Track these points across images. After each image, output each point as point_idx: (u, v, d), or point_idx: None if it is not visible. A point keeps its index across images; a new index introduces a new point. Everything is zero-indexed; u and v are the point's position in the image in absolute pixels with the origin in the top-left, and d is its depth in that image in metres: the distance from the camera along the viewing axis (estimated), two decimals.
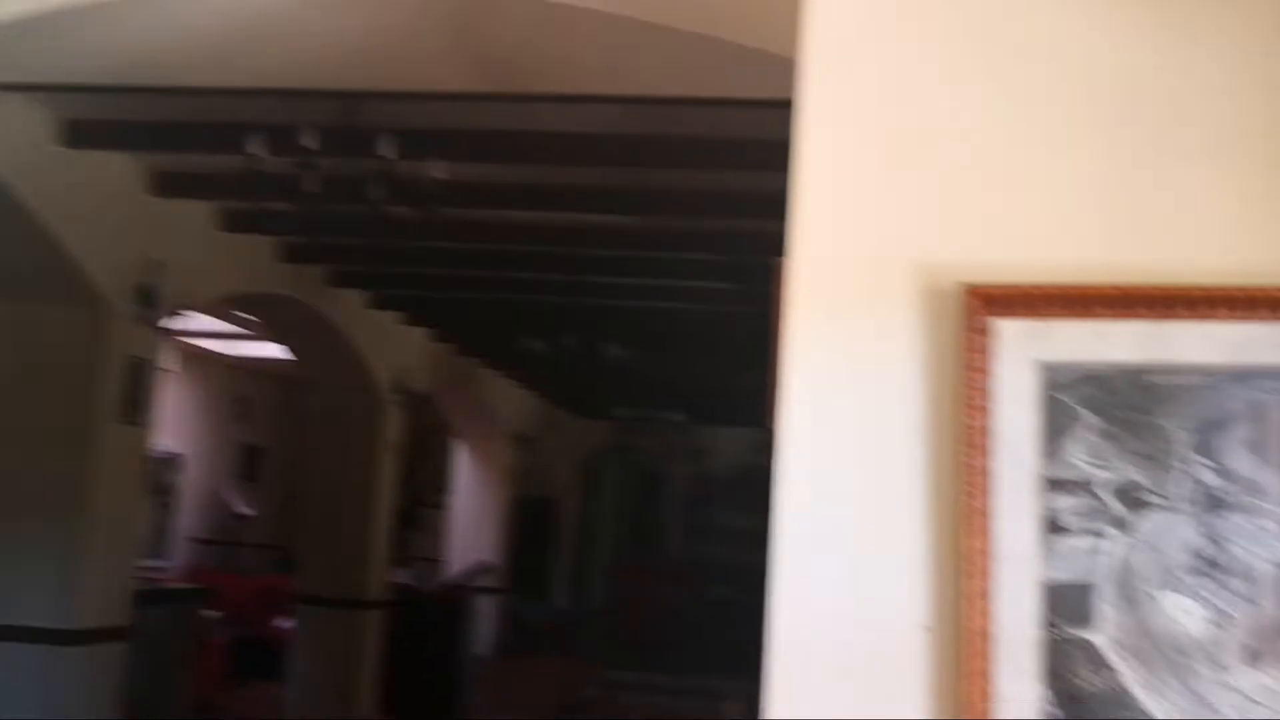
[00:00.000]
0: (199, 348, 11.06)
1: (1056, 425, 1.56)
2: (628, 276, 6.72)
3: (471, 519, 12.00)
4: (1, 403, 5.17)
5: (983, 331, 1.58)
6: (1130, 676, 1.50)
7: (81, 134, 4.83)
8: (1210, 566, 1.51)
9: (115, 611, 5.32)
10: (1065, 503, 1.54)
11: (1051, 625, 1.52)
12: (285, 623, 10.66)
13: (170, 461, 10.91)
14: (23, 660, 4.97)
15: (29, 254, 4.93)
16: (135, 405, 5.36)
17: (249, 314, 7.33)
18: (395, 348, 8.38)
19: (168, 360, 5.65)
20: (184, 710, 7.44)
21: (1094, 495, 1.54)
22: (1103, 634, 1.51)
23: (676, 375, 10.32)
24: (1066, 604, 1.52)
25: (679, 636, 12.70)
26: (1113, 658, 1.50)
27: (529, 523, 13.54)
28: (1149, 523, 1.52)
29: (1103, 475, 1.54)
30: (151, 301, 5.31)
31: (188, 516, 11.60)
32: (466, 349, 9.72)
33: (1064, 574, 1.53)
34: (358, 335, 7.68)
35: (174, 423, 10.35)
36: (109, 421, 5.19)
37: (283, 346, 8.37)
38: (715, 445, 13.66)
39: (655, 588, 13.30)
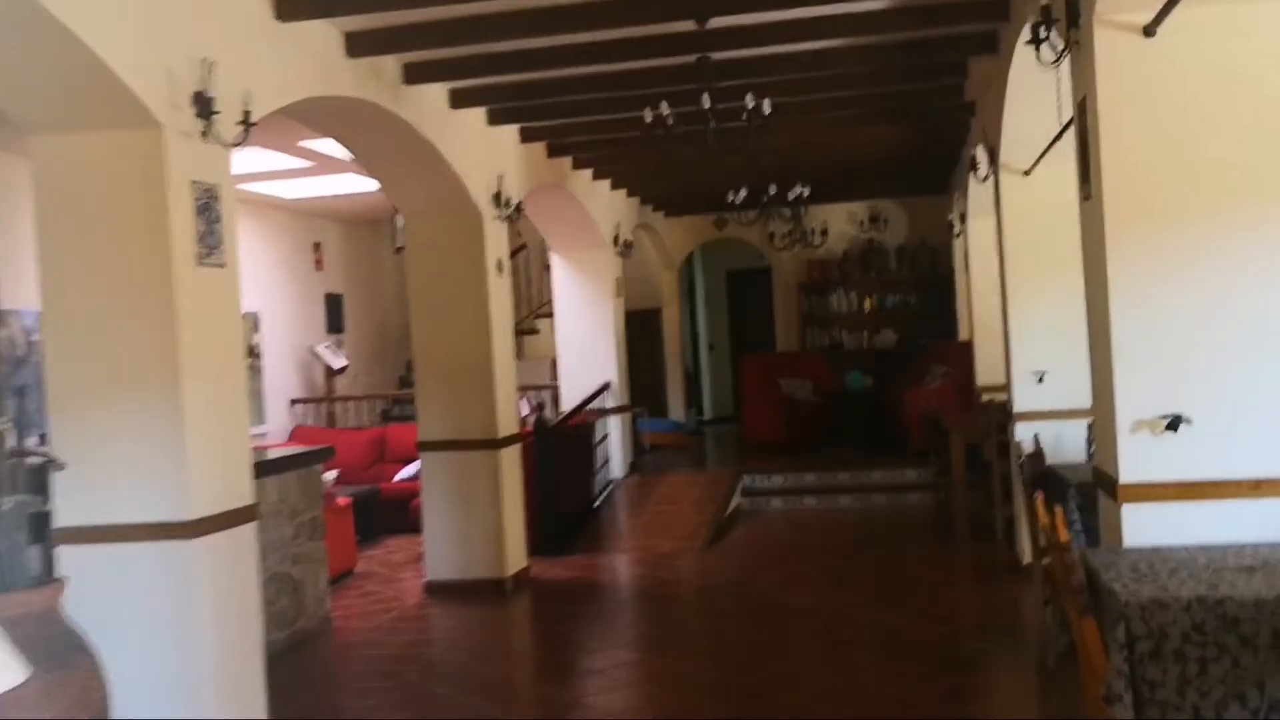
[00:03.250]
0: (256, 194, 10.06)
1: None
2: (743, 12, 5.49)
3: (577, 339, 11.09)
4: (70, 257, 4.22)
5: None
6: None
7: None
8: None
9: (238, 490, 4.46)
10: None
11: None
12: (402, 474, 9.98)
13: (247, 319, 10.06)
14: (147, 559, 4.15)
15: (57, 66, 3.88)
16: (212, 241, 4.38)
17: (320, 129, 6.24)
18: (485, 152, 7.28)
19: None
20: (329, 578, 6.76)
21: None
22: None
23: (790, 151, 9.07)
24: None
25: (817, 435, 11.87)
26: None
27: (638, 336, 12.64)
28: None
29: None
30: (208, 112, 4.27)
31: (275, 376, 10.81)
32: (559, 147, 8.57)
33: None
34: (444, 141, 6.59)
35: (245, 276, 9.38)
36: (187, 262, 4.21)
37: (365, 170, 7.30)
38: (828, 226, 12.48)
39: (772, 387, 12.39)
